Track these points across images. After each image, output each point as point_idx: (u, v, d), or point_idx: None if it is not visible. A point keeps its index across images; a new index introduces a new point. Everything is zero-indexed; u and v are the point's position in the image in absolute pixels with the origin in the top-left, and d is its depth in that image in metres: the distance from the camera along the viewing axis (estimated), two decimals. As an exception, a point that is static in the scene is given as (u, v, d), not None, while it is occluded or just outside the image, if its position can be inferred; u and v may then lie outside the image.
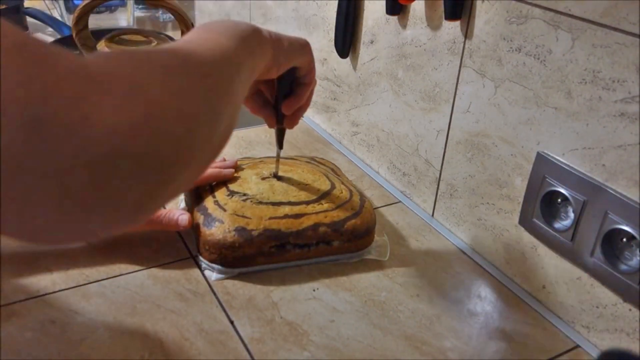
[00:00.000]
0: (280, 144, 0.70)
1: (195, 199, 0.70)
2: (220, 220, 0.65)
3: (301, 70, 0.60)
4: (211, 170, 0.71)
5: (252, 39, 0.49)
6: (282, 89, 0.63)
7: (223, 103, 0.41)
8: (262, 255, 0.65)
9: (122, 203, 0.32)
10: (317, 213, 0.67)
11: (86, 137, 0.28)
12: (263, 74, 0.54)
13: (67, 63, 0.29)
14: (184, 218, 0.67)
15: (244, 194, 0.67)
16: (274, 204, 0.67)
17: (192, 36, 0.44)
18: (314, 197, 0.68)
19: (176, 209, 0.68)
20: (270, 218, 0.65)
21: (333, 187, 0.71)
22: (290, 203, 0.67)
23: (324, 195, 0.69)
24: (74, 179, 0.29)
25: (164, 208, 0.71)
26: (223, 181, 0.71)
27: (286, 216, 0.66)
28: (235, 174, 0.72)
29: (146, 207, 0.35)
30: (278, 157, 0.71)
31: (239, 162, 0.75)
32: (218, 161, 0.73)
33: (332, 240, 0.67)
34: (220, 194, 0.68)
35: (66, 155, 0.28)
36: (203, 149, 0.39)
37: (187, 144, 0.36)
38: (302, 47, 0.59)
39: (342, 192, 0.71)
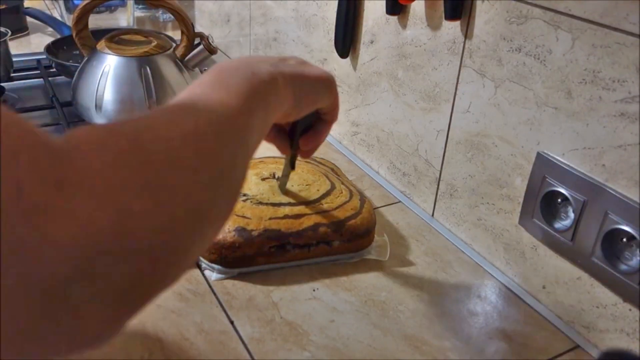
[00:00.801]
0: (292, 165, 0.66)
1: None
2: None
3: (324, 109, 0.56)
4: None
5: (269, 90, 0.45)
6: (302, 124, 0.58)
7: (219, 194, 0.36)
8: (262, 256, 0.65)
9: (78, 332, 0.28)
10: (317, 213, 0.67)
11: (39, 258, 0.24)
12: (281, 118, 0.49)
13: (34, 155, 0.25)
14: None
15: (244, 195, 0.68)
16: (274, 204, 0.67)
17: (196, 93, 0.40)
18: (314, 197, 0.68)
19: None
20: (270, 218, 0.65)
21: (333, 187, 0.71)
22: (290, 203, 0.67)
23: (324, 196, 0.69)
24: (17, 305, 0.24)
25: None
26: None
27: (286, 216, 0.66)
28: None
29: (111, 332, 0.30)
30: (286, 176, 0.69)
31: None
32: None
33: (332, 240, 0.67)
34: None
35: (10, 276, 0.23)
36: (187, 257, 0.34)
37: (166, 258, 0.31)
38: (327, 88, 0.54)
39: (342, 192, 0.71)
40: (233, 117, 0.39)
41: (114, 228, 0.27)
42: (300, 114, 0.52)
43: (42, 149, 0.25)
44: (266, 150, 0.94)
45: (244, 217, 0.65)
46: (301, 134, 0.58)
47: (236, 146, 0.38)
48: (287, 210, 0.66)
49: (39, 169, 0.25)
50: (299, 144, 0.59)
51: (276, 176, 0.71)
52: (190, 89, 0.41)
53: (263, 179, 0.70)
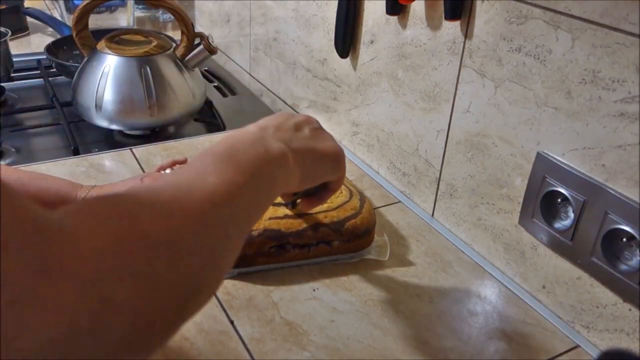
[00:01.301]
0: (293, 206, 0.65)
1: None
2: None
3: (330, 181, 0.56)
4: None
5: (278, 168, 0.46)
6: (306, 189, 0.57)
7: (209, 275, 0.36)
8: (262, 256, 0.65)
9: None
10: (316, 213, 0.67)
11: (19, 345, 0.24)
12: (288, 189, 0.50)
13: (22, 240, 0.25)
14: None
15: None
16: (273, 204, 0.66)
17: (206, 163, 0.40)
18: None
19: None
20: (270, 218, 0.65)
21: (333, 187, 0.71)
22: None
23: None
24: None
25: None
26: None
27: (286, 216, 0.66)
28: None
29: None
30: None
31: None
32: None
33: (332, 240, 0.67)
34: None
35: None
36: (171, 331, 0.34)
37: (147, 337, 0.31)
38: (336, 164, 0.54)
39: (342, 192, 0.71)
40: (238, 197, 0.40)
41: (95, 316, 0.27)
42: (306, 187, 0.53)
43: (31, 232, 0.26)
44: (266, 150, 0.94)
45: None
46: (304, 195, 0.59)
47: (235, 227, 0.39)
48: (287, 210, 0.66)
49: (26, 256, 0.25)
50: (298, 203, 0.60)
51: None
52: (202, 157, 0.42)
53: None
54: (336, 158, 0.54)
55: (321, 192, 0.58)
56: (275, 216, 0.65)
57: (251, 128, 0.49)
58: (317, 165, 0.52)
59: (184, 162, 0.75)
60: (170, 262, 0.32)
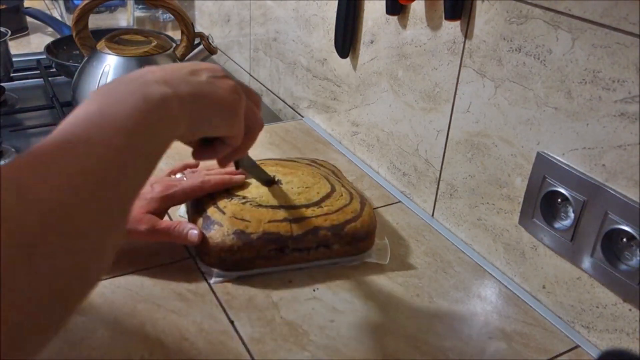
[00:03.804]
0: (235, 166, 0.64)
1: (195, 201, 0.69)
2: (219, 224, 0.64)
3: (227, 136, 0.52)
4: (221, 177, 0.68)
5: (159, 116, 0.42)
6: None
7: (87, 263, 0.34)
8: (261, 259, 0.65)
9: None
10: (317, 216, 0.66)
11: None
12: (178, 139, 0.47)
13: None
14: (193, 233, 0.64)
15: (244, 197, 0.67)
16: (273, 207, 0.66)
17: (79, 127, 0.38)
18: (314, 200, 0.68)
19: (186, 222, 0.66)
20: (270, 221, 0.65)
21: (333, 190, 0.70)
22: (290, 206, 0.67)
23: (324, 199, 0.69)
24: None
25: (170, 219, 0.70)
26: None
27: (286, 219, 0.65)
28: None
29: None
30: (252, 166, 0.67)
31: None
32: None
33: (332, 243, 0.67)
34: (220, 197, 0.68)
35: None
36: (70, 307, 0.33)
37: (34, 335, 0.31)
38: (228, 116, 0.49)
39: (342, 195, 0.70)
40: (113, 162, 0.37)
41: None
42: (197, 136, 0.49)
43: None
44: (266, 151, 0.94)
45: (243, 220, 0.64)
46: (197, 146, 0.54)
47: (115, 192, 0.37)
48: (286, 213, 0.66)
49: None
50: (193, 158, 0.55)
51: (276, 179, 0.71)
52: (70, 121, 0.39)
53: (263, 180, 0.70)
54: (229, 108, 0.49)
55: (216, 143, 0.52)
56: (274, 219, 0.65)
57: (134, 72, 0.44)
58: (206, 113, 0.47)
59: (195, 166, 0.73)
60: (41, 257, 0.31)
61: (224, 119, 0.49)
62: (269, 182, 0.69)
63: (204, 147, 0.52)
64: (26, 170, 0.34)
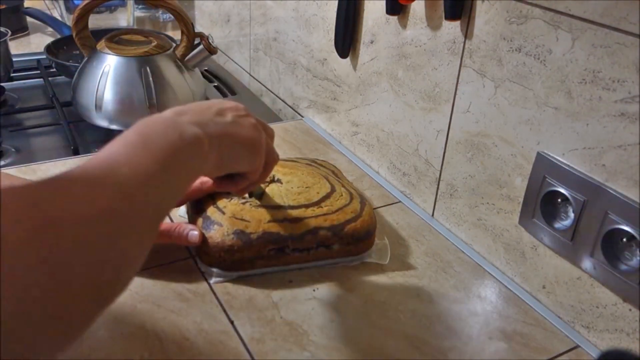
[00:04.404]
0: (249, 194, 0.67)
1: (195, 202, 0.69)
2: (219, 224, 0.64)
3: (247, 172, 0.56)
4: None
5: (192, 154, 0.45)
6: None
7: (119, 271, 0.37)
8: (261, 259, 0.65)
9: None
10: (316, 216, 0.66)
11: None
12: (204, 174, 0.52)
13: None
14: (194, 234, 0.65)
15: (243, 197, 0.67)
16: (273, 207, 0.66)
17: (119, 153, 0.40)
18: (314, 200, 0.68)
19: (186, 224, 0.66)
20: (270, 221, 0.65)
21: (333, 190, 0.70)
22: (289, 206, 0.67)
23: (324, 199, 0.69)
24: None
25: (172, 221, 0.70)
26: None
27: (285, 219, 0.65)
28: None
29: None
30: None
31: None
32: None
33: (331, 243, 0.67)
34: (219, 197, 0.68)
35: None
36: (85, 323, 0.35)
37: (62, 329, 0.33)
38: (253, 153, 0.53)
39: (342, 195, 0.70)
40: (151, 187, 0.40)
41: (14, 313, 0.29)
42: (223, 173, 0.53)
43: None
44: (266, 150, 0.94)
45: (243, 220, 0.64)
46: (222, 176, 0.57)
47: (147, 217, 0.40)
48: (286, 213, 0.66)
49: None
50: (213, 187, 0.61)
51: (276, 178, 0.71)
52: (114, 144, 0.41)
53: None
54: (253, 147, 0.53)
55: (236, 176, 0.56)
56: (274, 219, 0.65)
57: (167, 113, 0.48)
58: (233, 152, 0.51)
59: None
60: (81, 255, 0.33)
61: (248, 157, 0.53)
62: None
63: (224, 179, 0.57)
64: (67, 186, 0.36)
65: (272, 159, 0.58)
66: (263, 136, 0.55)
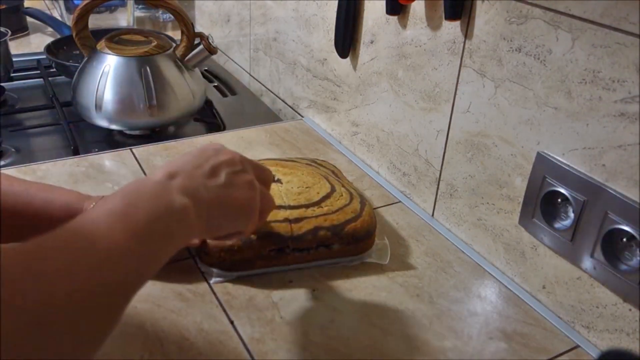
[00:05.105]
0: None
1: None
2: None
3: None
4: None
5: (177, 225, 0.44)
6: None
7: (83, 349, 0.36)
8: (261, 259, 0.65)
9: None
10: (316, 217, 0.66)
11: None
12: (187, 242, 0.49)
13: None
14: None
15: None
16: None
17: (100, 222, 0.39)
18: (314, 200, 0.68)
19: None
20: (270, 222, 0.65)
21: (333, 190, 0.70)
22: (289, 206, 0.67)
23: (324, 199, 0.69)
24: None
25: None
26: None
27: (286, 220, 0.65)
28: None
29: None
30: None
31: None
32: None
33: (332, 243, 0.67)
34: None
35: None
36: None
37: None
38: (246, 217, 0.51)
39: (342, 195, 0.70)
40: (128, 263, 0.39)
41: None
42: (211, 237, 0.51)
43: None
44: (266, 150, 0.94)
45: None
46: None
47: (122, 293, 0.39)
48: (286, 213, 0.66)
49: None
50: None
51: (276, 178, 0.70)
52: (99, 211, 0.40)
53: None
54: (245, 210, 0.51)
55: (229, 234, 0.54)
56: (274, 219, 0.65)
57: (158, 175, 0.46)
58: (224, 217, 0.49)
59: None
60: (42, 340, 0.32)
61: (239, 220, 0.51)
62: None
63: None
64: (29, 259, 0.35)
65: (267, 206, 0.55)
66: (258, 193, 0.52)
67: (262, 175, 0.55)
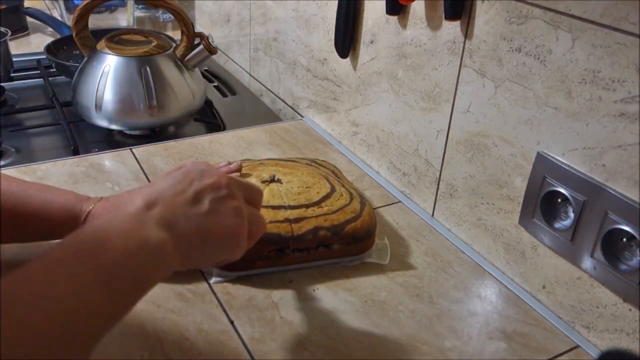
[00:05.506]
0: None
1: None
2: None
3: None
4: None
5: (152, 260, 0.42)
6: None
7: None
8: (261, 259, 0.65)
9: None
10: (317, 216, 0.66)
11: None
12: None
13: None
14: None
15: None
16: (273, 207, 0.66)
17: (50, 274, 0.36)
18: (314, 200, 0.68)
19: None
20: (270, 222, 0.65)
21: (333, 190, 0.70)
22: (290, 207, 0.67)
23: (324, 199, 0.69)
24: None
25: None
26: None
27: (286, 220, 0.65)
28: None
29: None
30: None
31: None
32: (222, 164, 0.72)
33: (331, 243, 0.67)
34: None
35: None
36: None
37: None
38: (229, 246, 0.49)
39: (342, 195, 0.70)
40: (91, 317, 0.37)
41: None
42: (190, 268, 0.47)
43: None
44: (266, 150, 0.94)
45: None
46: None
47: (82, 341, 0.37)
48: (286, 213, 0.66)
49: None
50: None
51: (276, 178, 0.70)
52: (68, 246, 0.38)
53: (263, 182, 0.70)
54: (230, 240, 0.48)
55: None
56: (274, 220, 0.65)
57: (136, 203, 0.43)
58: (207, 249, 0.47)
59: None
60: None
61: (223, 251, 0.49)
62: None
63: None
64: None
65: (257, 229, 0.52)
66: (245, 220, 0.49)
67: (252, 197, 0.52)
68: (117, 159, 0.89)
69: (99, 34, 1.00)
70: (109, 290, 0.38)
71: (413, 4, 0.76)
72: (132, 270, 0.40)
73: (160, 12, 1.61)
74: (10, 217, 0.60)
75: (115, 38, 0.99)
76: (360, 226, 0.68)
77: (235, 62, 1.36)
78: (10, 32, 1.15)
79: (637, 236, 0.53)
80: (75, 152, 0.92)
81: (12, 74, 1.18)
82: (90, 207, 0.62)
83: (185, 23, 0.97)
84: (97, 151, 0.92)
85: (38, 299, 0.35)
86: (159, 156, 0.91)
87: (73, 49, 1.17)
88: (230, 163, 0.72)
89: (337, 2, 0.88)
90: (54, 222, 0.61)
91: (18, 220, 0.61)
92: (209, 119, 1.09)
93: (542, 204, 0.63)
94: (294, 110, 1.13)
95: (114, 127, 0.98)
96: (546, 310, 0.65)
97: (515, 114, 0.65)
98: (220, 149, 0.94)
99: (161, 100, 0.96)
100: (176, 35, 1.06)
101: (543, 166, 0.62)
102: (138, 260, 0.41)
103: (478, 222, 0.73)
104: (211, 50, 1.00)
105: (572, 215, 0.59)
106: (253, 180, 0.70)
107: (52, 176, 0.82)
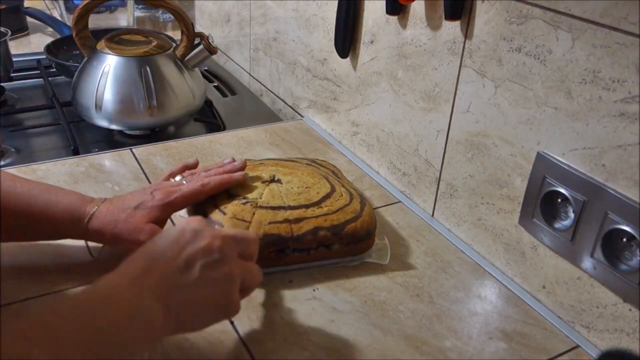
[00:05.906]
0: None
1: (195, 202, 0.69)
2: (219, 224, 0.64)
3: None
4: (220, 177, 0.67)
5: (143, 334, 0.44)
6: None
7: None
8: (261, 260, 0.65)
9: None
10: (316, 217, 0.66)
11: None
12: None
13: None
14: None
15: (244, 197, 0.67)
16: (273, 208, 0.66)
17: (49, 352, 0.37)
18: (314, 200, 0.68)
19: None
20: (270, 222, 0.65)
21: (333, 190, 0.70)
22: (290, 207, 0.67)
23: (324, 199, 0.69)
24: None
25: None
26: None
27: (286, 220, 0.65)
28: None
29: None
30: None
31: None
32: (227, 161, 0.72)
33: (332, 243, 0.67)
34: (220, 197, 0.68)
35: None
36: None
37: None
38: (219, 314, 0.51)
39: (342, 195, 0.70)
40: None
41: None
42: (179, 334, 0.49)
43: None
44: (267, 150, 0.94)
45: (243, 221, 0.64)
46: None
47: None
48: (286, 214, 0.66)
49: None
50: None
51: (276, 178, 0.70)
52: (63, 309, 0.41)
53: (263, 182, 0.70)
54: (219, 309, 0.50)
55: None
56: (274, 220, 0.65)
57: (139, 264, 0.46)
58: (194, 318, 0.48)
59: (194, 166, 0.72)
60: None
61: (212, 318, 0.50)
62: None
63: None
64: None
65: (251, 283, 0.53)
66: (236, 285, 0.50)
67: (247, 251, 0.54)
68: (117, 159, 0.89)
69: (99, 34, 1.00)
70: (104, 350, 0.40)
71: (413, 4, 0.76)
72: (119, 341, 0.42)
73: (160, 12, 1.61)
74: (14, 217, 0.60)
75: (115, 38, 0.99)
76: (360, 226, 0.68)
77: (235, 62, 1.36)
78: (10, 32, 1.15)
79: (637, 236, 0.53)
80: (75, 152, 0.92)
81: (12, 74, 1.18)
82: (94, 209, 0.62)
83: (185, 23, 0.97)
84: (97, 151, 0.92)
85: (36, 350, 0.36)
86: (159, 156, 0.91)
87: (73, 49, 1.17)
88: (234, 160, 0.72)
89: (337, 2, 0.88)
90: (58, 223, 0.61)
91: (21, 221, 0.61)
92: (209, 119, 1.09)
93: (542, 204, 0.63)
94: (294, 110, 1.13)
95: (114, 127, 0.98)
96: (546, 310, 0.65)
97: (515, 114, 0.65)
98: (220, 149, 0.94)
99: (161, 100, 0.96)
100: (176, 35, 1.06)
101: (543, 166, 0.62)
102: (125, 333, 0.42)
103: (478, 222, 0.73)
104: (211, 50, 1.00)
105: (572, 215, 0.59)
106: (253, 180, 0.70)
107: (52, 176, 0.82)
